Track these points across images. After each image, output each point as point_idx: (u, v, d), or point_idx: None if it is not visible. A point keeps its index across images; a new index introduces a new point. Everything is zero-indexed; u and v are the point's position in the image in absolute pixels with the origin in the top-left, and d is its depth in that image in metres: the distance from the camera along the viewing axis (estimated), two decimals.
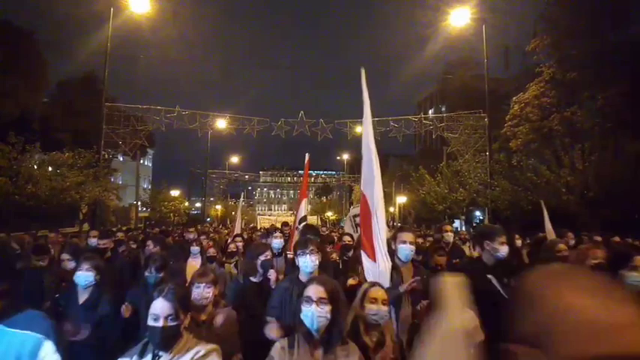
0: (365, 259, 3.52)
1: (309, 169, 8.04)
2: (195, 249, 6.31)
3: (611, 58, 17.81)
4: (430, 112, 43.47)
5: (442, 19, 20.69)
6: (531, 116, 20.90)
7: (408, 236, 3.75)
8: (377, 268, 3.39)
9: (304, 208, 6.99)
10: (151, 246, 5.87)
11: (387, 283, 3.26)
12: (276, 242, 5.42)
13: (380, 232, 3.47)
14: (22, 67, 22.86)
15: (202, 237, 8.35)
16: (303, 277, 3.32)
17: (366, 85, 3.70)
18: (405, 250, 3.67)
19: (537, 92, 20.89)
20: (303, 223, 6.31)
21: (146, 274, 4.04)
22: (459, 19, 19.89)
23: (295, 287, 3.20)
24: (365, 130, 3.68)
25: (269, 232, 10.11)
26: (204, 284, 3.11)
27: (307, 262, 3.34)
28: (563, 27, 19.45)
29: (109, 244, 6.25)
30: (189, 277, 4.93)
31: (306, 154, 7.41)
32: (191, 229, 10.14)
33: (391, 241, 3.91)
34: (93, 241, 6.56)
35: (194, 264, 6.02)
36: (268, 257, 4.29)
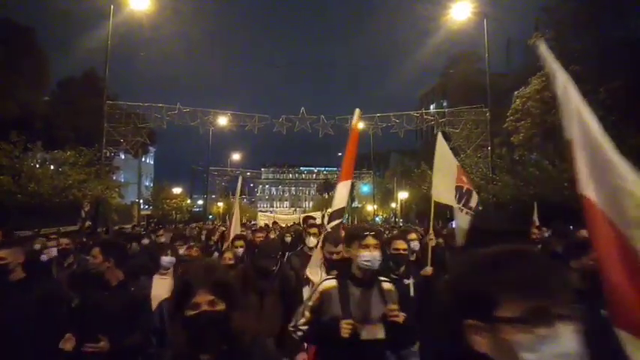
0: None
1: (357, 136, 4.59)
2: (167, 260, 4.26)
3: (614, 51, 17.69)
4: (432, 107, 43.26)
5: (443, 13, 20.62)
6: (533, 110, 20.77)
7: None
8: None
9: (343, 195, 4.17)
10: (99, 259, 3.14)
11: None
12: (369, 256, 2.57)
13: None
14: (23, 65, 22.83)
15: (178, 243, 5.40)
16: None
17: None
18: None
19: (539, 86, 20.75)
20: (335, 222, 3.93)
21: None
22: (460, 13, 19.82)
23: None
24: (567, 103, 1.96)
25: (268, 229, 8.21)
26: None
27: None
28: (565, 20, 19.33)
29: (16, 257, 3.12)
30: (155, 303, 3.59)
31: (356, 110, 4.68)
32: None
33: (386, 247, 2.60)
34: None
35: (163, 283, 4.01)
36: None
